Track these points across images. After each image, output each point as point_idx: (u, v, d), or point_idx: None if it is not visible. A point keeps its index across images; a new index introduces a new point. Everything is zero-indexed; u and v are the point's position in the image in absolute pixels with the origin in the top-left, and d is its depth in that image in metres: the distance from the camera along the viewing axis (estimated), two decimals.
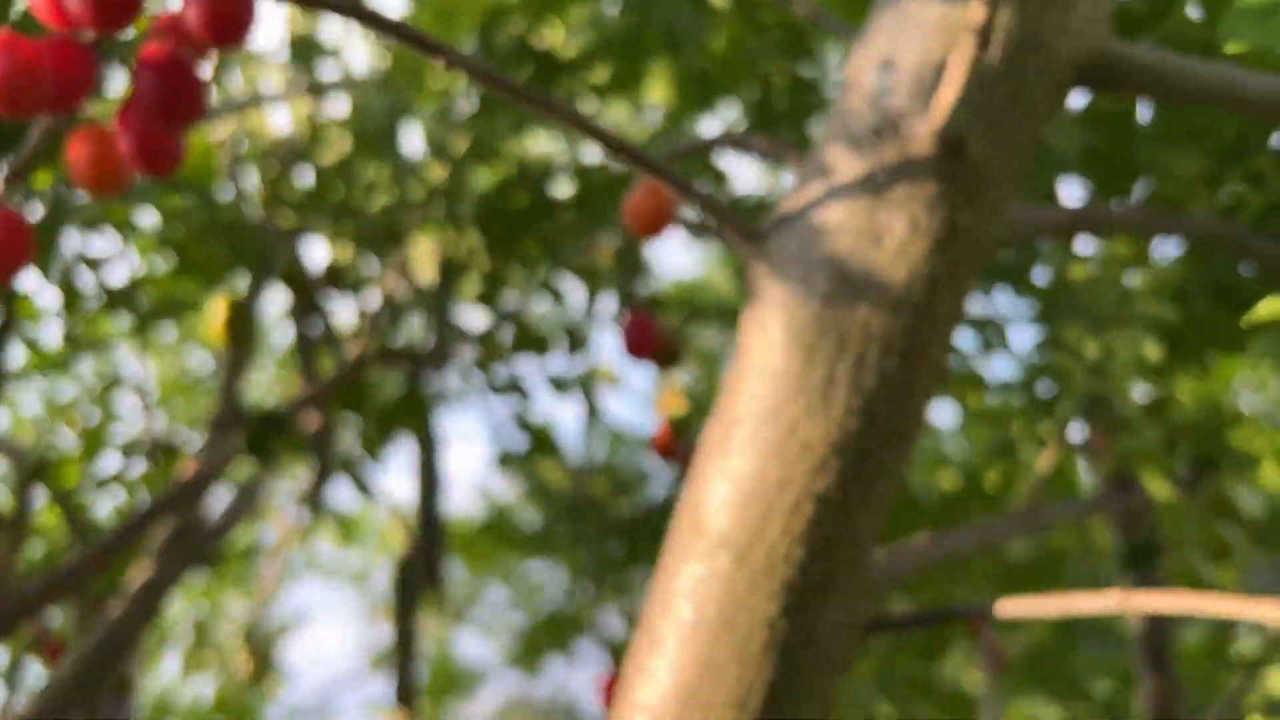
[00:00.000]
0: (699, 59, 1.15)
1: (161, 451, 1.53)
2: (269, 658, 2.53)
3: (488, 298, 1.40)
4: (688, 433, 1.17)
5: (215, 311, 1.15)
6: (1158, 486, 0.94)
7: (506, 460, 1.62)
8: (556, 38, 1.24)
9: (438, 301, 1.49)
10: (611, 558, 1.80)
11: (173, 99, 0.63)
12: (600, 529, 1.76)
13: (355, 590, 3.76)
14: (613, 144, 0.56)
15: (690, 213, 0.97)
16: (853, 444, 0.56)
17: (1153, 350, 0.77)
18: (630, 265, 1.06)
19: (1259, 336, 0.79)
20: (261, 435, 1.00)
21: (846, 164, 0.56)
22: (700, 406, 1.16)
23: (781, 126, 1.20)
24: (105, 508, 1.59)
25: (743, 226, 0.58)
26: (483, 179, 1.47)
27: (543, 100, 0.50)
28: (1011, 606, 0.64)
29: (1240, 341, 0.89)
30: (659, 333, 1.05)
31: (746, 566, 0.58)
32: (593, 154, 1.56)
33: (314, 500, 1.34)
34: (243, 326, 1.17)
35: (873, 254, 0.55)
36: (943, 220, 0.55)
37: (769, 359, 0.57)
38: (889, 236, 0.55)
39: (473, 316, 1.57)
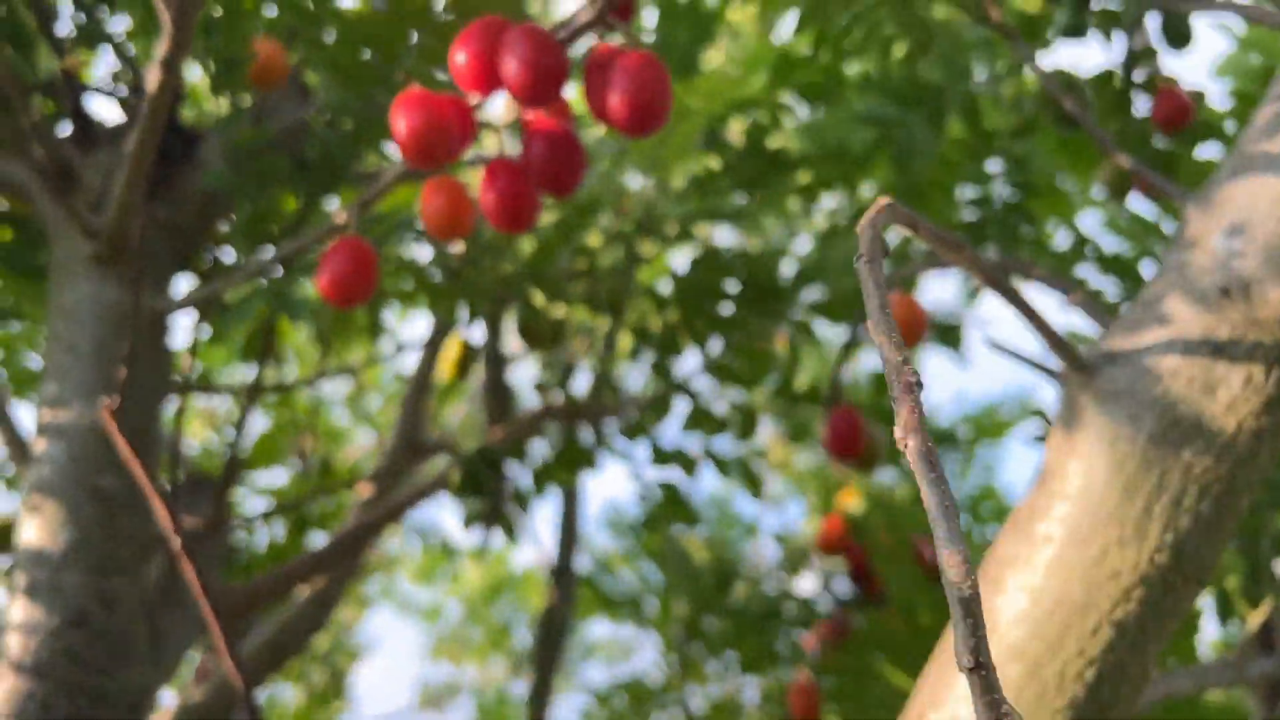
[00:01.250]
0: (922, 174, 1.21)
1: (323, 468, 1.60)
2: (342, 681, 2.56)
3: (661, 368, 1.46)
4: (861, 532, 1.20)
5: (450, 350, 1.22)
6: None
7: (652, 523, 1.66)
8: (783, 137, 1.31)
9: (610, 362, 1.54)
10: (710, 637, 1.82)
11: (559, 169, 0.69)
12: (707, 608, 1.78)
13: (424, 624, 3.79)
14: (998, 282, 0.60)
15: (989, 331, 1.01)
16: (1158, 578, 0.60)
17: None
18: (840, 360, 1.11)
19: None
20: (477, 473, 1.05)
21: (1187, 316, 0.60)
22: (877, 505, 1.19)
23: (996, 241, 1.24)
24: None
25: (1072, 355, 0.62)
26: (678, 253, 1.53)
27: (953, 242, 0.55)
28: None
29: None
30: (864, 433, 1.08)
31: (1038, 680, 0.60)
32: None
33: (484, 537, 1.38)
34: (470, 366, 1.24)
35: (1205, 402, 0.59)
36: (1277, 382, 0.58)
37: (1086, 485, 0.61)
38: (1223, 389, 0.59)
39: (636, 376, 1.62)
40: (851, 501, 1.22)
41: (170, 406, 0.96)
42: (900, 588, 1.16)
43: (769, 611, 1.55)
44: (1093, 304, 0.74)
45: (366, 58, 0.77)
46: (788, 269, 1.41)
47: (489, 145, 1.15)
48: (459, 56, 0.68)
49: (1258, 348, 0.58)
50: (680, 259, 1.64)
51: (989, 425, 2.11)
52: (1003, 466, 2.27)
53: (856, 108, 1.16)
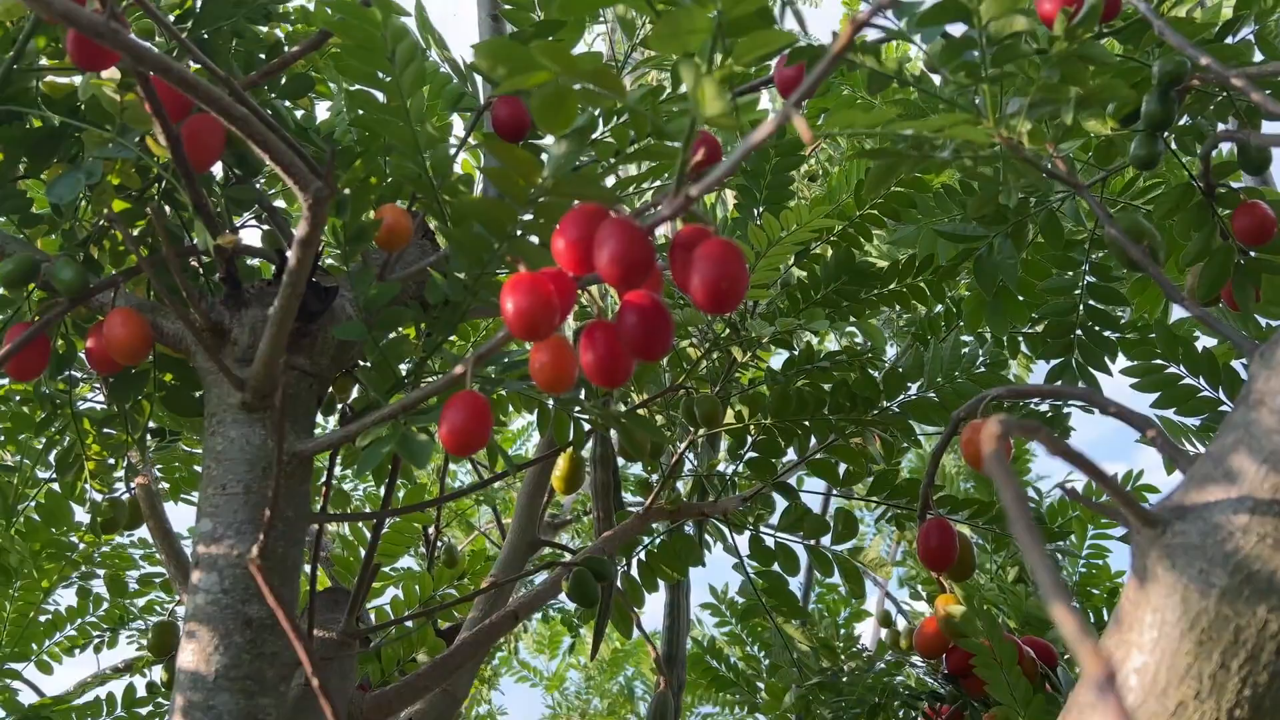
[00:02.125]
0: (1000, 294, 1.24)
1: (448, 556, 1.69)
2: None
3: (762, 466, 1.51)
4: (960, 637, 1.21)
5: (560, 466, 1.31)
6: None
7: (752, 614, 1.70)
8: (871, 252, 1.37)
9: (712, 463, 1.60)
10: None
11: (648, 337, 0.76)
12: (816, 691, 1.79)
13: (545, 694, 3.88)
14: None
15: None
16: None
17: None
18: (931, 470, 1.14)
19: None
20: (586, 584, 1.12)
21: (1255, 474, 0.63)
22: (978, 609, 1.21)
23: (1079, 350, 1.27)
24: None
25: (1142, 512, 0.65)
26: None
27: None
28: None
29: None
30: (956, 543, 1.11)
31: None
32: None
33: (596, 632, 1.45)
34: (579, 478, 1.32)
35: (1277, 560, 0.61)
36: None
37: (1160, 639, 0.64)
38: None
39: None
40: (950, 605, 1.24)
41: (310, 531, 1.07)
42: (1003, 692, 1.17)
43: (882, 693, 1.57)
44: (1168, 442, 0.77)
45: (479, 231, 0.86)
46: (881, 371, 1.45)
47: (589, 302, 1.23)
48: (558, 243, 0.76)
49: None
50: (777, 360, 1.69)
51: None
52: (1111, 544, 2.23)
53: (938, 225, 1.21)
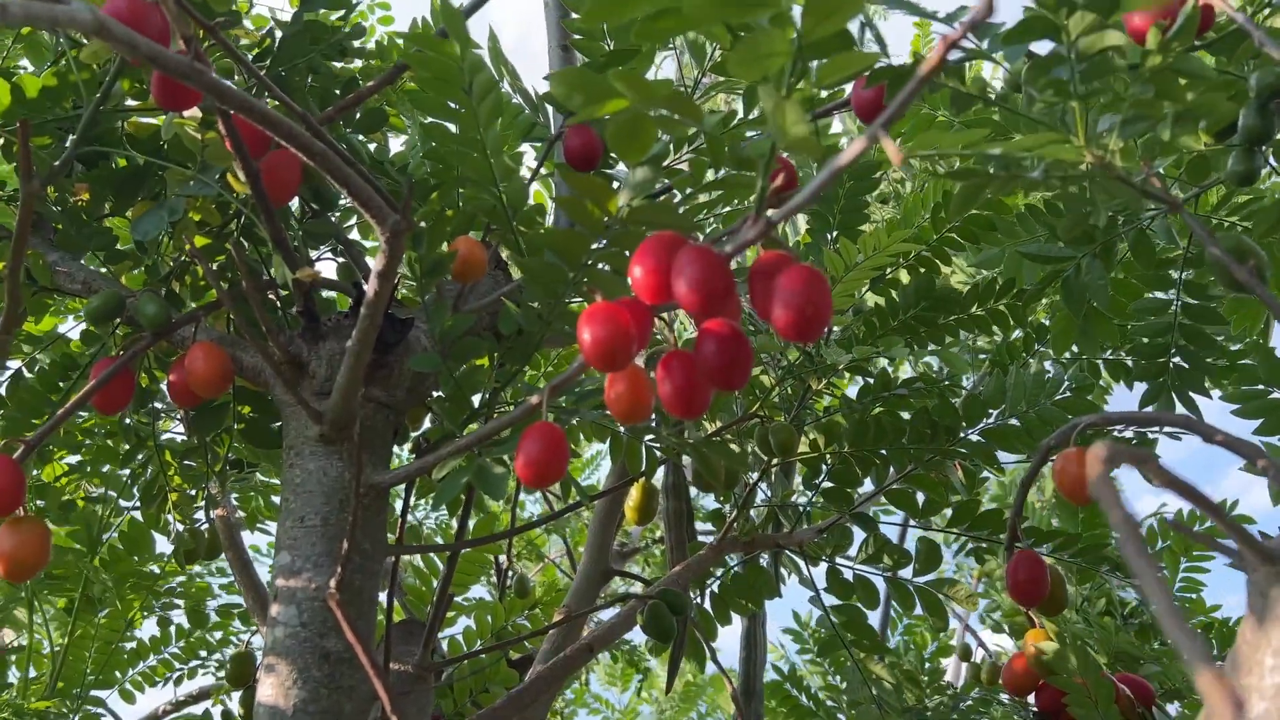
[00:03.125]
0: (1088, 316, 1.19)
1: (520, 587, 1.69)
2: None
3: (839, 496, 1.47)
4: (1052, 675, 1.16)
5: (634, 495, 1.29)
6: None
7: (827, 649, 1.66)
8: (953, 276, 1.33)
9: (787, 492, 1.57)
10: None
11: (728, 368, 0.74)
12: None
13: None
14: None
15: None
16: None
17: None
18: (1018, 505, 1.10)
19: None
20: (662, 617, 1.10)
21: None
22: (1071, 646, 1.16)
23: (1173, 372, 1.21)
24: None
25: (1259, 546, 0.61)
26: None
27: None
28: None
29: None
30: (1047, 577, 1.07)
31: None
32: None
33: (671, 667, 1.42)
34: (653, 508, 1.30)
35: None
36: None
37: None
38: None
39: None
40: (1040, 641, 1.19)
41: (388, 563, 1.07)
42: None
43: None
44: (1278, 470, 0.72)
45: (553, 261, 0.86)
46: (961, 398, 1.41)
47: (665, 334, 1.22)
48: (635, 271, 0.75)
49: None
50: (852, 389, 1.66)
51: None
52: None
53: (1023, 246, 1.17)
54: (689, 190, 0.85)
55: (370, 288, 0.89)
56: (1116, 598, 1.97)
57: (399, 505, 1.21)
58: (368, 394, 1.04)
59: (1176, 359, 1.20)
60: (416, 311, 1.13)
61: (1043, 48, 0.80)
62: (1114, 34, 0.71)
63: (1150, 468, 0.55)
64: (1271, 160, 1.03)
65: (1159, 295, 1.21)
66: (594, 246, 0.82)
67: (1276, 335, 1.60)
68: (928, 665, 2.13)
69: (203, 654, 1.87)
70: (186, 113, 1.04)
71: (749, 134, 1.08)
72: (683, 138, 1.06)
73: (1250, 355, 1.25)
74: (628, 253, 0.81)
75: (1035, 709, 1.27)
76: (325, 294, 1.23)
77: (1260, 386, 1.22)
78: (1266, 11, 0.97)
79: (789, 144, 0.66)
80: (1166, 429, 1.29)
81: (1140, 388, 1.53)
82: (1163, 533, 2.04)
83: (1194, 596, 2.00)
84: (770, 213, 0.67)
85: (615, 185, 0.82)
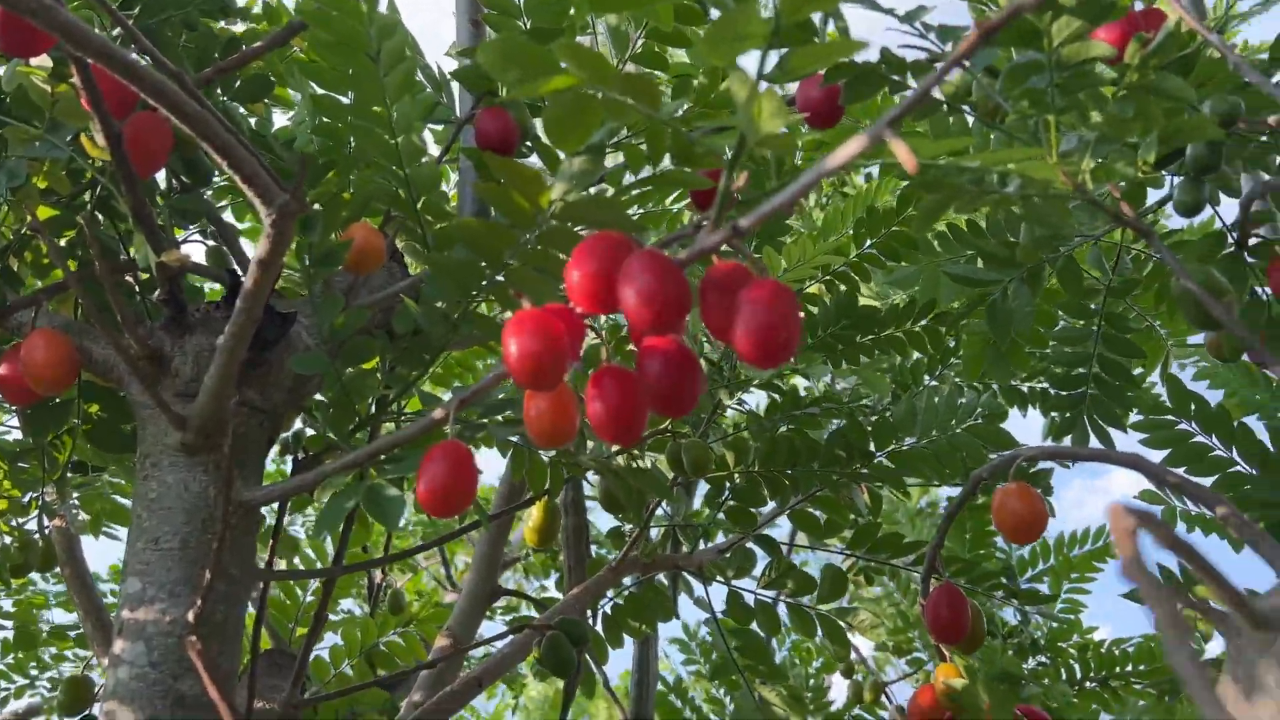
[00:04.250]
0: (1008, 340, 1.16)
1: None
2: None
3: (744, 518, 1.41)
4: (962, 712, 1.12)
5: (534, 515, 1.19)
6: None
7: (720, 673, 1.59)
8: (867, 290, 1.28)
9: (689, 513, 1.50)
10: None
11: (675, 391, 0.65)
12: None
13: None
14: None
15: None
16: None
17: None
18: (937, 543, 1.05)
19: None
20: (564, 649, 1.01)
21: None
22: (982, 680, 1.12)
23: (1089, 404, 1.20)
24: None
25: (1252, 614, 0.56)
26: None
27: None
28: None
29: None
30: (968, 614, 1.02)
31: None
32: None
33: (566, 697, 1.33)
34: (554, 531, 1.21)
35: None
36: None
37: None
38: None
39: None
40: (951, 677, 1.15)
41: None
42: None
43: None
44: (1242, 522, 0.68)
45: (467, 256, 0.75)
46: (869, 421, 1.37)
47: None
48: (574, 275, 0.65)
49: None
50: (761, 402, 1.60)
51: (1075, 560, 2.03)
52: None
53: (947, 267, 1.13)
54: (624, 183, 0.76)
55: (250, 276, 0.77)
56: (999, 619, 1.98)
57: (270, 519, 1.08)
58: (241, 397, 0.92)
59: (1094, 390, 1.18)
60: (299, 304, 1.00)
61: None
62: (1103, 45, 0.66)
63: (1160, 532, 0.49)
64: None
65: (1079, 325, 1.19)
66: (520, 243, 0.72)
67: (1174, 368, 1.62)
68: (812, 682, 2.10)
69: (34, 671, 1.67)
70: (35, 60, 0.89)
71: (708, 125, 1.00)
72: (614, 129, 0.97)
73: (1163, 385, 1.24)
74: (560, 253, 0.72)
75: None
76: (195, 282, 1.08)
77: (1169, 417, 1.21)
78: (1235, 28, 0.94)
79: (761, 140, 0.58)
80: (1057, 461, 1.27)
81: (1034, 416, 1.52)
82: (1044, 553, 2.07)
83: (1073, 618, 2.03)
84: (742, 220, 0.58)
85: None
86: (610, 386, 0.69)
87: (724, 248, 0.59)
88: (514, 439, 0.89)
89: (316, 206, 0.81)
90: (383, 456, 0.83)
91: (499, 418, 0.85)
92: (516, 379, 0.66)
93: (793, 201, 0.56)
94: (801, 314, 1.31)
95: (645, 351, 0.67)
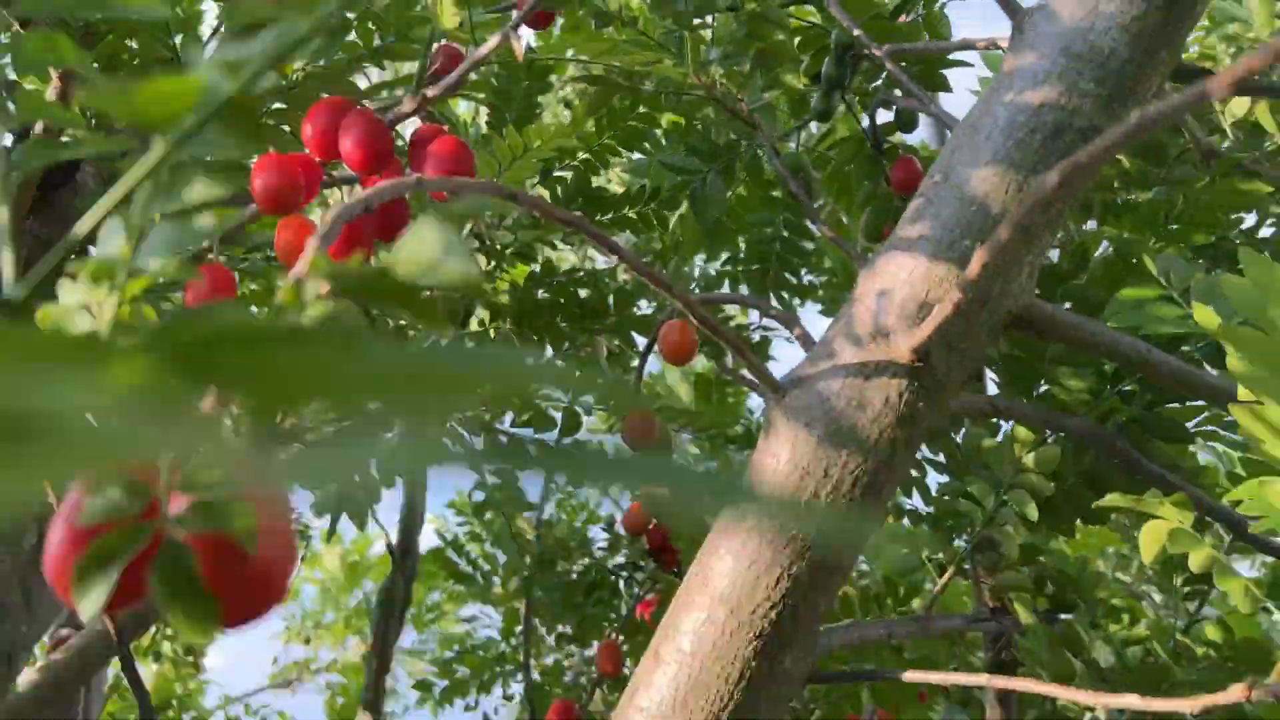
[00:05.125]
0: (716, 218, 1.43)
1: None
2: (198, 658, 2.66)
3: None
4: (658, 516, 1.41)
5: None
6: (1024, 615, 1.20)
7: (481, 509, 1.84)
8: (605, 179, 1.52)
9: None
10: (542, 610, 2.02)
11: (389, 223, 0.86)
12: (540, 583, 1.97)
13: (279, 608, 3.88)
14: (670, 291, 0.81)
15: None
16: (823, 540, 0.82)
17: (1032, 511, 1.04)
18: (641, 368, 1.31)
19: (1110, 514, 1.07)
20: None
21: (848, 353, 0.82)
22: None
23: (773, 277, 1.48)
24: None
25: (770, 380, 0.84)
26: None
27: (610, 243, 0.75)
28: (909, 675, 0.89)
29: (1102, 517, 1.17)
30: (658, 427, 1.29)
31: (736, 618, 0.82)
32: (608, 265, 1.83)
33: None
34: None
35: (857, 416, 0.81)
36: (908, 404, 0.81)
37: (775, 476, 0.83)
38: (870, 407, 0.81)
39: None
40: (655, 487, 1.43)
41: None
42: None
43: (592, 585, 1.76)
44: (807, 337, 0.96)
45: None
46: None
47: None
48: (306, 130, 0.85)
49: (893, 379, 0.81)
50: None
51: None
52: None
53: (663, 158, 1.37)
54: (358, 55, 0.95)
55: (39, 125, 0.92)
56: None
57: None
58: (29, 229, 1.06)
59: (777, 266, 1.47)
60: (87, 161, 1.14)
61: None
62: None
63: (699, 314, 0.74)
64: (857, 104, 1.29)
65: (767, 215, 1.47)
66: (268, 106, 0.90)
67: None
68: (578, 532, 2.39)
69: None
70: None
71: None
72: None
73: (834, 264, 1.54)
74: (300, 111, 0.91)
75: (647, 547, 1.52)
76: None
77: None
78: None
79: (446, 31, 0.79)
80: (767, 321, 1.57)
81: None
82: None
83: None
84: (428, 90, 0.79)
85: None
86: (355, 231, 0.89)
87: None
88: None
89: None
90: None
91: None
92: (261, 207, 0.85)
93: (461, 79, 0.78)
94: (546, 191, 1.53)
95: (367, 183, 0.88)
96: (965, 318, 0.80)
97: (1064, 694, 0.81)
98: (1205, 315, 0.68)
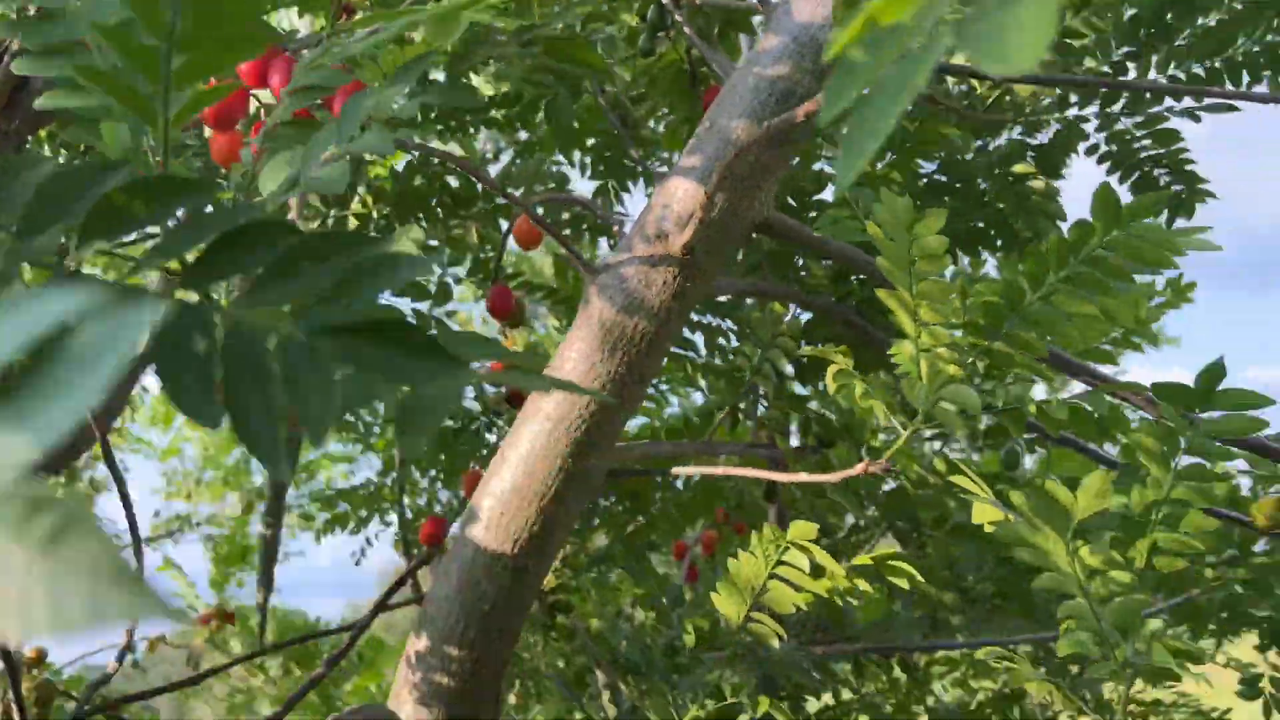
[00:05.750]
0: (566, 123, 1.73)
1: None
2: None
3: None
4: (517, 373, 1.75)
5: None
6: (782, 445, 1.60)
7: None
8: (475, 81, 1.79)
9: None
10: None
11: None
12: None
13: (159, 464, 4.10)
14: (507, 196, 1.13)
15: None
16: (620, 380, 1.17)
17: (784, 365, 1.42)
18: (500, 250, 1.62)
19: None
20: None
21: (641, 248, 1.16)
22: (529, 348, 1.74)
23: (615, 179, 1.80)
24: None
25: (588, 266, 1.17)
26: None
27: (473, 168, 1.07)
28: (682, 470, 1.27)
29: None
30: (514, 300, 1.62)
31: (558, 429, 1.17)
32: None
33: None
34: None
35: (646, 292, 1.16)
36: (679, 284, 1.16)
37: (588, 336, 1.17)
38: (655, 285, 1.16)
39: None
40: (514, 345, 1.76)
41: None
42: None
43: (458, 430, 2.11)
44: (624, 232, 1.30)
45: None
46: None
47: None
48: (243, 65, 1.12)
49: (669, 267, 1.15)
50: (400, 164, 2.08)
51: None
52: None
53: (527, 75, 1.66)
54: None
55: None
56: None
57: None
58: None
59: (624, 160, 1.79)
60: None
61: None
62: None
63: (525, 209, 1.06)
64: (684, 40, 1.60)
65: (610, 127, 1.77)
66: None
67: None
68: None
69: None
70: None
71: None
72: None
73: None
74: None
75: (506, 395, 1.87)
76: None
77: None
78: None
79: None
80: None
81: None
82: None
83: None
84: (344, 35, 1.07)
85: None
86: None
87: None
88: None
89: None
90: None
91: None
92: (208, 125, 1.12)
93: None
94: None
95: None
96: (721, 224, 1.15)
97: (784, 478, 1.20)
98: (873, 229, 1.04)
